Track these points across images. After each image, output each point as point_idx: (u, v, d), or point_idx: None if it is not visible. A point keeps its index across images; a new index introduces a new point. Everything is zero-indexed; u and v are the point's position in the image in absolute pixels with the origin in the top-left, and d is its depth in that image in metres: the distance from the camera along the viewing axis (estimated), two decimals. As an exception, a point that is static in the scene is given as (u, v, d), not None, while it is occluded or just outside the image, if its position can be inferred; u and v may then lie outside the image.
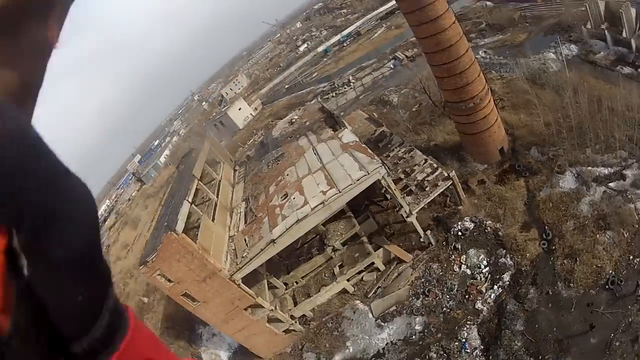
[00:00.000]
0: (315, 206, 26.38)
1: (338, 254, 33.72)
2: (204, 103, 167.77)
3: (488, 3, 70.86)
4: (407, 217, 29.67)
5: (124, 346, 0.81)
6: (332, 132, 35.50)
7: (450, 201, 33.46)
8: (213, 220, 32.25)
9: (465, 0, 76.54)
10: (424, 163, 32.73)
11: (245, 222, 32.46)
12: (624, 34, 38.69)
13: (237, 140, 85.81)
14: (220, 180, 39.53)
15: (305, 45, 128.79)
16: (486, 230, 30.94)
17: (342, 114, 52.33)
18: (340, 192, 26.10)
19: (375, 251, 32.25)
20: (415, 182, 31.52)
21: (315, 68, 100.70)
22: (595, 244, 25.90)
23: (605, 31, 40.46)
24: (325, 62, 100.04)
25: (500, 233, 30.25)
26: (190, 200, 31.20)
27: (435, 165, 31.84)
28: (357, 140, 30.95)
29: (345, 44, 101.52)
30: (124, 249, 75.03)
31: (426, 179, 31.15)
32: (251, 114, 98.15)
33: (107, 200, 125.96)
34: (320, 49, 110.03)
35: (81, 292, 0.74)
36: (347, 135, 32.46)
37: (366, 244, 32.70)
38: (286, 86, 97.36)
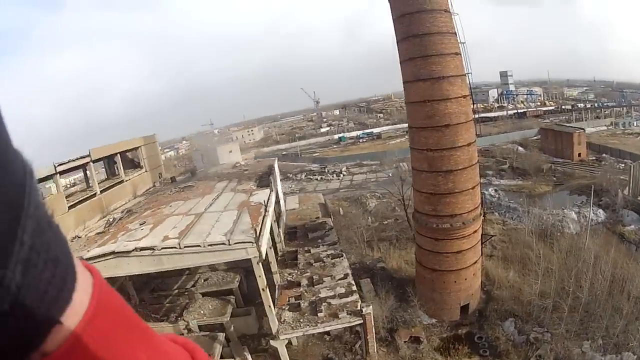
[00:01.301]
0: (143, 248, 17.37)
1: (187, 335, 23.57)
2: (216, 138, 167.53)
3: (520, 148, 66.03)
4: (272, 338, 19.89)
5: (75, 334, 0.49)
6: (253, 187, 27.16)
7: (360, 347, 23.39)
8: (69, 209, 27.17)
9: (497, 140, 72.56)
10: (341, 278, 23.56)
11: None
12: (665, 211, 34.52)
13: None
14: (123, 181, 34.56)
15: (328, 128, 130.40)
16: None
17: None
18: (179, 247, 17.00)
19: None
20: (314, 297, 22.03)
21: (321, 149, 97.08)
22: None
23: (644, 202, 36.35)
24: (333, 147, 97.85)
25: None
26: (57, 170, 26.40)
27: (353, 289, 22.58)
28: (264, 203, 22.23)
29: (361, 140, 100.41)
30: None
31: (328, 300, 21.68)
32: (238, 162, 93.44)
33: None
34: (337, 136, 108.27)
35: None
36: (260, 196, 23.91)
37: (218, 344, 22.55)
38: (283, 152, 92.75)
